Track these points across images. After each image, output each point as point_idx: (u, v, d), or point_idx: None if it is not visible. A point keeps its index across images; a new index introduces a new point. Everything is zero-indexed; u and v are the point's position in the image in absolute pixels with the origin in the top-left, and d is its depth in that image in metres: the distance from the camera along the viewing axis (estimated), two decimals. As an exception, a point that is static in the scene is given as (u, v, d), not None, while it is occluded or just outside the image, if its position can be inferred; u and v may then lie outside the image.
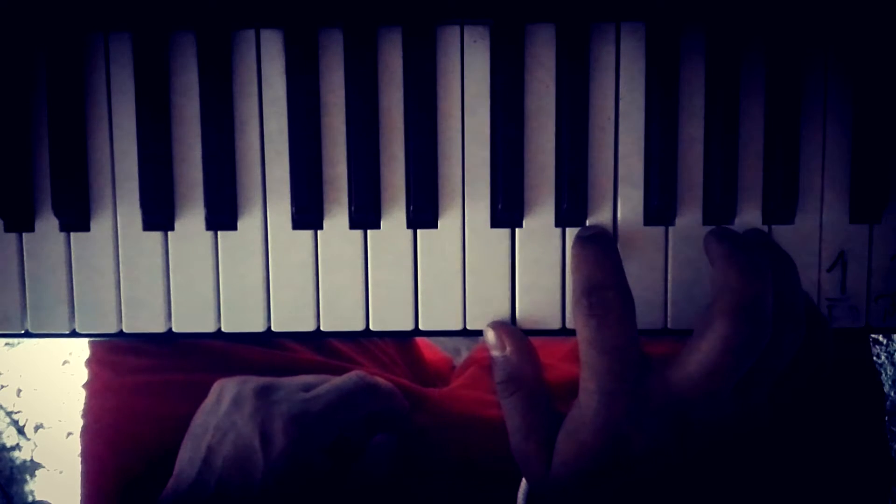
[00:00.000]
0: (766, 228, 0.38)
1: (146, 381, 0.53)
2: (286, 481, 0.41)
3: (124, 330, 0.39)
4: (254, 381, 0.45)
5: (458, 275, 0.39)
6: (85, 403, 0.55)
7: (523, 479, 0.40)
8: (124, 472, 0.51)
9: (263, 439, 0.42)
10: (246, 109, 0.39)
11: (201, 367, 0.52)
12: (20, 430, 1.29)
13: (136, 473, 0.51)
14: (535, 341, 0.39)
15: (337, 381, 0.46)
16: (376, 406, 0.47)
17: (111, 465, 0.52)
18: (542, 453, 0.36)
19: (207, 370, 0.50)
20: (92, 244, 0.39)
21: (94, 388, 0.55)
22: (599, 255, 0.35)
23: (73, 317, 0.40)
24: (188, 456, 0.44)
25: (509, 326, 0.38)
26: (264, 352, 0.53)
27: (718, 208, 0.38)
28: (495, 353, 0.38)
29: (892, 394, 1.15)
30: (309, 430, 0.43)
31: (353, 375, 0.47)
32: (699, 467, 0.35)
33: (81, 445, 0.55)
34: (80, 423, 0.55)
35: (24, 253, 0.39)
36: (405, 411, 0.49)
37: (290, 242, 0.39)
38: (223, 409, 0.44)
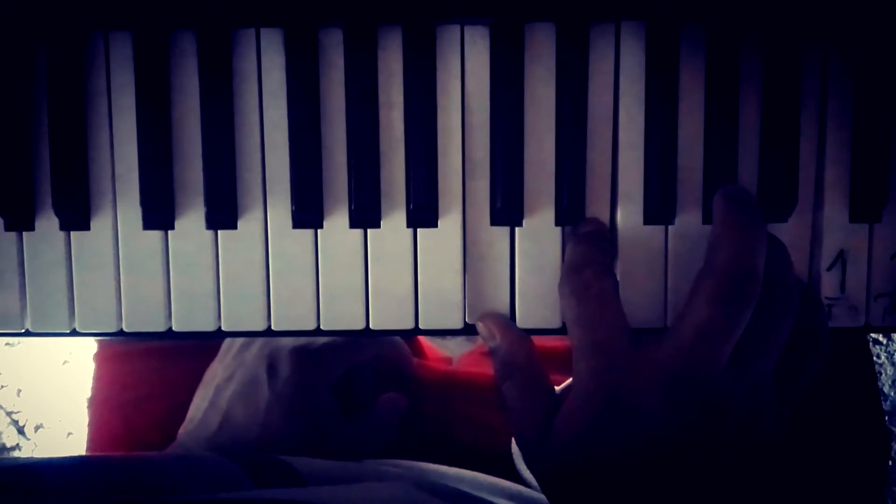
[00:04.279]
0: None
1: (152, 346, 0.53)
2: (290, 412, 0.42)
3: (124, 329, 0.39)
4: None
5: (459, 273, 0.39)
6: (94, 371, 0.56)
7: None
8: (130, 435, 0.52)
9: (270, 370, 0.43)
10: (246, 108, 0.39)
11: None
12: (20, 430, 1.29)
13: (142, 436, 0.51)
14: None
15: None
16: (383, 352, 0.48)
17: (117, 429, 0.53)
18: (540, 434, 0.37)
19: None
20: (92, 243, 0.39)
21: (104, 356, 0.55)
22: (588, 246, 0.37)
23: (74, 316, 0.40)
24: (198, 402, 0.45)
25: (499, 317, 0.39)
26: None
27: (718, 207, 0.38)
28: (488, 343, 0.39)
29: (892, 394, 1.15)
30: (313, 359, 0.43)
31: None
32: (709, 452, 0.34)
33: (89, 416, 0.55)
34: (81, 423, 0.56)
35: (25, 252, 0.39)
36: (412, 364, 0.50)
37: (291, 241, 0.39)
38: (233, 353, 0.45)
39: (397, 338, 0.49)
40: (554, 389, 0.39)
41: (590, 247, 0.37)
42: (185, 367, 0.51)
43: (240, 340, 0.46)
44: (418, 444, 0.51)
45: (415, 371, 0.51)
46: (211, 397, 0.44)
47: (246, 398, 0.43)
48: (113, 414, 0.53)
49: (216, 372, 0.46)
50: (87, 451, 0.55)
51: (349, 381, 0.46)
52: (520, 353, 0.38)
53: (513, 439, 0.41)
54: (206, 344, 0.50)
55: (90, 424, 0.55)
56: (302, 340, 0.45)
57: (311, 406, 0.43)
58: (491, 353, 0.39)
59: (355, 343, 0.46)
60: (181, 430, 0.45)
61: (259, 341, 0.45)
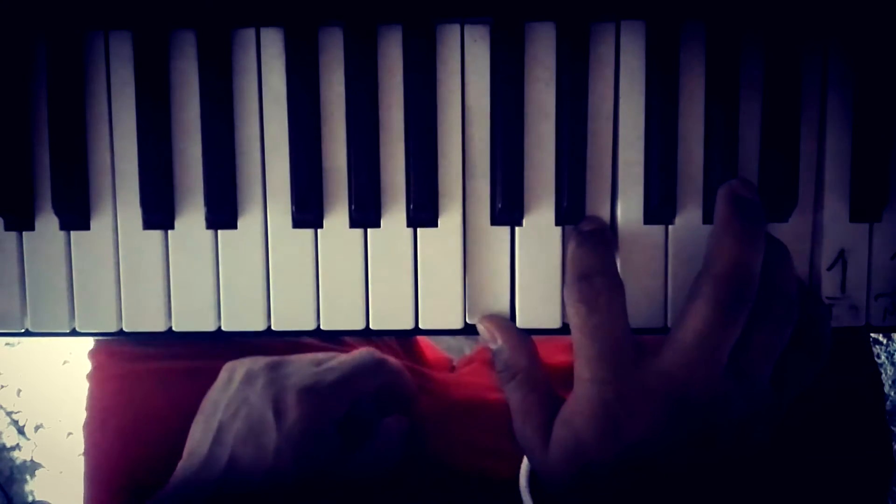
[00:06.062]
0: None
1: (151, 369, 0.53)
2: (299, 454, 0.42)
3: (124, 329, 0.39)
4: (264, 359, 0.45)
5: (459, 273, 0.39)
6: (88, 394, 0.55)
7: (525, 458, 0.41)
8: (130, 462, 0.51)
9: (277, 411, 0.42)
10: (246, 108, 0.39)
11: (206, 353, 0.52)
12: (20, 430, 1.29)
13: (143, 460, 0.51)
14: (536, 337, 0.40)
15: (347, 355, 0.47)
16: (386, 381, 0.47)
17: (116, 455, 0.52)
18: (541, 436, 0.37)
19: (213, 356, 0.50)
20: (92, 243, 0.39)
21: (98, 378, 0.55)
22: (593, 248, 0.36)
23: (73, 316, 0.40)
24: (199, 436, 0.44)
25: (500, 319, 0.39)
26: (270, 337, 0.53)
27: (718, 207, 0.38)
28: (490, 345, 0.39)
29: (893, 394, 1.15)
30: (322, 400, 0.43)
31: (363, 351, 0.47)
32: (704, 459, 0.35)
33: (84, 437, 0.55)
34: (81, 423, 0.55)
35: (24, 252, 0.39)
36: (413, 389, 0.50)
37: (291, 241, 0.39)
38: (234, 387, 0.45)
39: (398, 364, 0.49)
40: (555, 392, 0.39)
41: (598, 249, 0.36)
42: (183, 391, 0.50)
43: (240, 372, 0.45)
44: (421, 471, 0.51)
45: (416, 398, 0.51)
46: (214, 434, 0.43)
47: (253, 441, 0.42)
48: (109, 438, 0.53)
49: (217, 405, 0.45)
50: (86, 475, 0.54)
51: (351, 410, 0.45)
52: (522, 356, 0.38)
53: (521, 466, 0.41)
54: (204, 367, 0.49)
55: (86, 447, 0.54)
56: (307, 379, 0.44)
57: (318, 446, 0.42)
58: (493, 355, 0.39)
59: (360, 375, 0.45)
60: (181, 465, 0.44)
61: (262, 377, 0.44)
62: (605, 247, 0.37)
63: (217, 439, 0.43)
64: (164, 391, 0.52)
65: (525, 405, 0.38)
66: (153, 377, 0.52)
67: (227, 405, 0.44)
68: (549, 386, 0.39)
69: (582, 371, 0.35)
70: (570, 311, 0.35)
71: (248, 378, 0.45)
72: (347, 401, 0.44)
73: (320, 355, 0.47)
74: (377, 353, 0.47)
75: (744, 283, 0.33)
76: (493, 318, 0.39)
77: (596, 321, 0.35)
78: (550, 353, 0.59)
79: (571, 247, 0.37)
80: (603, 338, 0.35)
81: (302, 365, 0.45)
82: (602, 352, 0.35)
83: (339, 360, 0.46)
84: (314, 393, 0.43)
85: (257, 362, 0.45)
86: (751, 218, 0.34)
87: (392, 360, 0.48)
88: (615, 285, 0.35)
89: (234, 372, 0.46)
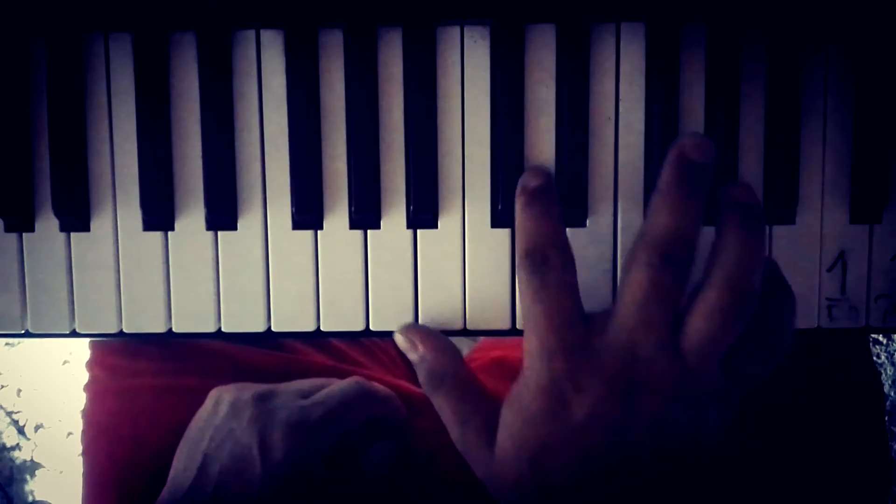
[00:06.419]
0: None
1: (147, 385, 0.53)
2: (285, 489, 0.41)
3: (124, 330, 0.39)
4: (252, 389, 0.45)
5: (458, 275, 0.39)
6: (85, 406, 0.55)
7: None
8: (123, 475, 0.51)
9: (262, 447, 0.42)
10: (246, 109, 0.39)
11: (202, 370, 0.52)
12: (20, 430, 1.29)
13: (136, 477, 0.51)
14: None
15: (335, 387, 0.46)
16: (374, 412, 0.47)
17: (110, 468, 0.52)
18: (482, 439, 0.36)
19: (208, 374, 0.50)
20: (92, 244, 0.39)
21: (94, 391, 0.55)
22: (541, 214, 0.35)
23: (73, 317, 0.40)
24: (183, 463, 0.44)
25: (419, 327, 0.38)
26: (265, 354, 0.53)
27: (718, 208, 0.38)
28: (410, 355, 0.38)
29: (892, 394, 1.16)
30: (309, 437, 0.43)
31: (351, 381, 0.47)
32: (655, 441, 0.34)
33: (82, 447, 0.55)
34: (81, 423, 0.55)
35: (25, 253, 0.39)
36: (402, 417, 0.50)
37: (291, 242, 0.39)
38: (220, 417, 0.44)
39: (387, 391, 0.49)
40: (487, 393, 0.37)
41: (548, 215, 0.35)
42: (179, 409, 0.50)
43: (227, 402, 0.44)
44: (415, 487, 0.50)
45: (406, 422, 0.50)
46: (200, 463, 0.43)
47: (238, 474, 0.42)
48: (104, 453, 0.53)
49: (203, 434, 0.44)
50: (84, 485, 0.54)
51: (340, 441, 0.45)
52: (446, 362, 0.37)
53: None
54: (200, 385, 0.49)
55: (83, 456, 0.54)
56: (294, 414, 0.43)
57: (305, 482, 0.42)
58: (415, 366, 0.38)
59: (347, 409, 0.45)
60: (166, 490, 0.44)
61: (249, 410, 0.43)
62: (554, 210, 0.35)
63: (202, 470, 0.43)
64: (159, 408, 0.52)
65: (460, 412, 0.37)
66: (149, 394, 0.52)
67: (213, 436, 0.43)
68: (482, 386, 0.38)
69: (531, 346, 0.34)
70: (521, 284, 0.35)
71: (235, 409, 0.44)
72: (335, 435, 0.44)
73: (308, 384, 0.47)
74: (366, 384, 0.47)
75: (678, 248, 0.33)
76: (413, 328, 0.38)
77: (547, 294, 0.34)
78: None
79: (518, 211, 0.36)
80: (554, 313, 0.34)
81: (289, 397, 0.44)
82: (552, 325, 0.34)
83: (327, 391, 0.45)
84: (301, 429, 0.42)
85: (244, 392, 0.45)
86: (693, 187, 0.33)
87: (381, 388, 0.48)
88: (566, 259, 0.35)
89: (221, 400, 0.45)
